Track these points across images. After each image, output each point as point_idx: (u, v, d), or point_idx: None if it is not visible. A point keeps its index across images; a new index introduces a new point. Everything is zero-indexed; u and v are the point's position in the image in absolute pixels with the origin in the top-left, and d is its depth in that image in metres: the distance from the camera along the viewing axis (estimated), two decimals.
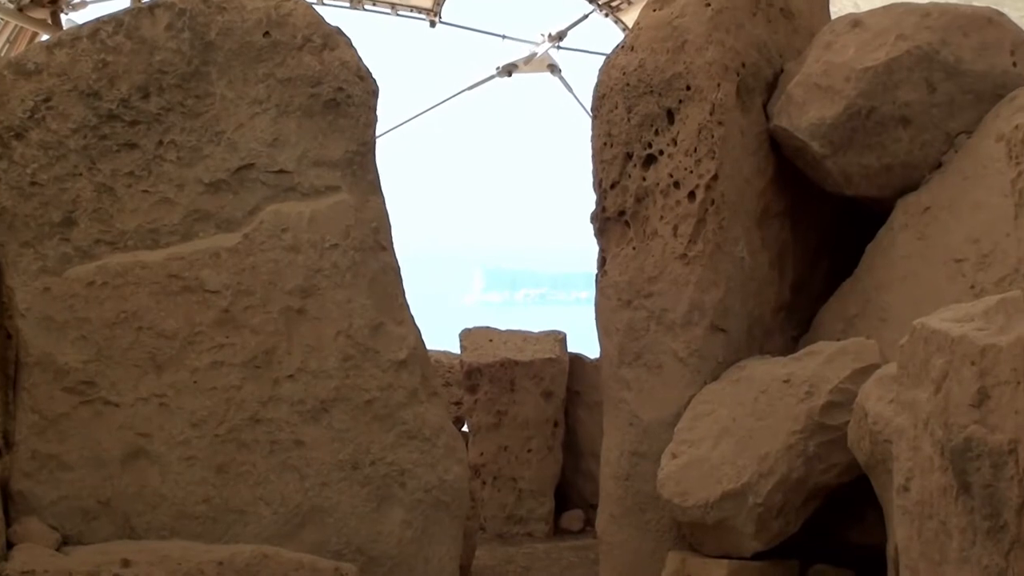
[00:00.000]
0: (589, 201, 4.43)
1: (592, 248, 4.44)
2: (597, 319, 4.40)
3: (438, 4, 9.20)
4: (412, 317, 3.77)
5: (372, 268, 3.67)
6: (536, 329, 6.45)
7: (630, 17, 8.82)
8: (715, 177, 3.96)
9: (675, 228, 4.05)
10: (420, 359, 3.71)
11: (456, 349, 6.40)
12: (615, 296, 4.25)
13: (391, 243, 3.75)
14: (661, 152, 4.11)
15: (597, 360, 5.77)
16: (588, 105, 4.44)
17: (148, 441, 3.45)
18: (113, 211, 3.52)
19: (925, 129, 3.87)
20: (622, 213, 4.26)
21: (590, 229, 4.43)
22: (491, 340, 6.22)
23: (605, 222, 4.35)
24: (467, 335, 6.27)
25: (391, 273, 3.71)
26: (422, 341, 3.78)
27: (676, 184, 4.05)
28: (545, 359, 6.03)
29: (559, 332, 6.36)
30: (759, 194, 4.16)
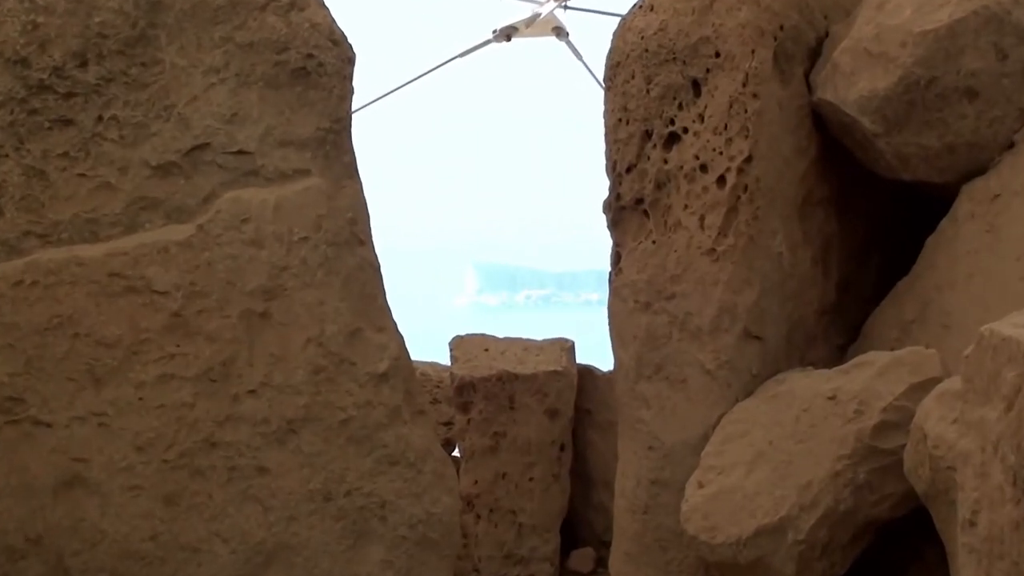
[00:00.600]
0: (601, 187, 4.43)
1: (605, 242, 4.43)
2: (611, 325, 4.41)
3: None
4: (394, 322, 3.79)
5: (348, 265, 3.68)
6: (539, 336, 6.45)
7: None
8: (749, 159, 3.97)
9: (702, 219, 4.05)
10: (403, 372, 3.72)
11: (445, 360, 6.41)
12: (632, 298, 4.25)
13: (370, 236, 3.76)
14: (685, 130, 4.12)
15: (611, 373, 5.73)
16: (600, 75, 4.45)
17: (85, 467, 3.45)
18: (45, 199, 3.51)
19: (995, 103, 3.85)
20: (640, 201, 4.26)
21: (602, 220, 4.44)
22: (486, 349, 6.23)
23: (620, 212, 4.35)
24: (458, 343, 6.28)
25: (369, 271, 3.72)
26: (406, 351, 3.79)
27: (703, 167, 4.06)
28: (550, 372, 6.03)
29: (566, 340, 6.36)
30: (800, 179, 4.17)
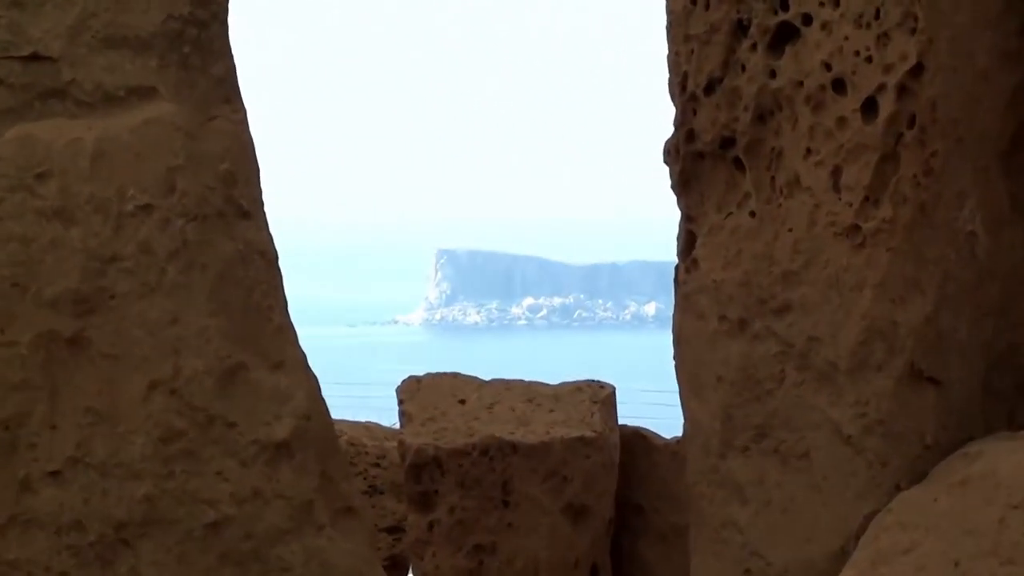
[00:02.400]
0: (663, 122, 4.45)
1: (667, 216, 4.45)
2: (678, 358, 4.42)
3: None
4: (302, 354, 3.82)
5: (222, 254, 3.71)
6: (554, 376, 6.44)
7: None
8: (917, 70, 3.96)
9: (836, 173, 4.06)
10: (317, 439, 3.75)
11: (391, 417, 6.40)
12: (715, 311, 4.26)
13: (260, 205, 3.79)
14: (807, 19, 4.12)
15: (678, 442, 5.69)
16: None
17: None
18: None
19: None
20: (729, 143, 4.27)
21: (662, 176, 4.42)
22: (461, 400, 6.23)
23: (695, 161, 4.36)
24: (413, 390, 6.28)
25: (259, 264, 3.77)
26: (322, 403, 3.82)
27: (838, 83, 4.06)
28: (572, 439, 6.03)
29: (601, 384, 6.36)
30: (1006, 106, 4.15)
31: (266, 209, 3.83)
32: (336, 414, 3.94)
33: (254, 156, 3.84)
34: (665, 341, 4.47)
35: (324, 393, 3.84)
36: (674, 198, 4.46)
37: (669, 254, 4.47)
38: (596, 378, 6.45)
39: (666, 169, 4.44)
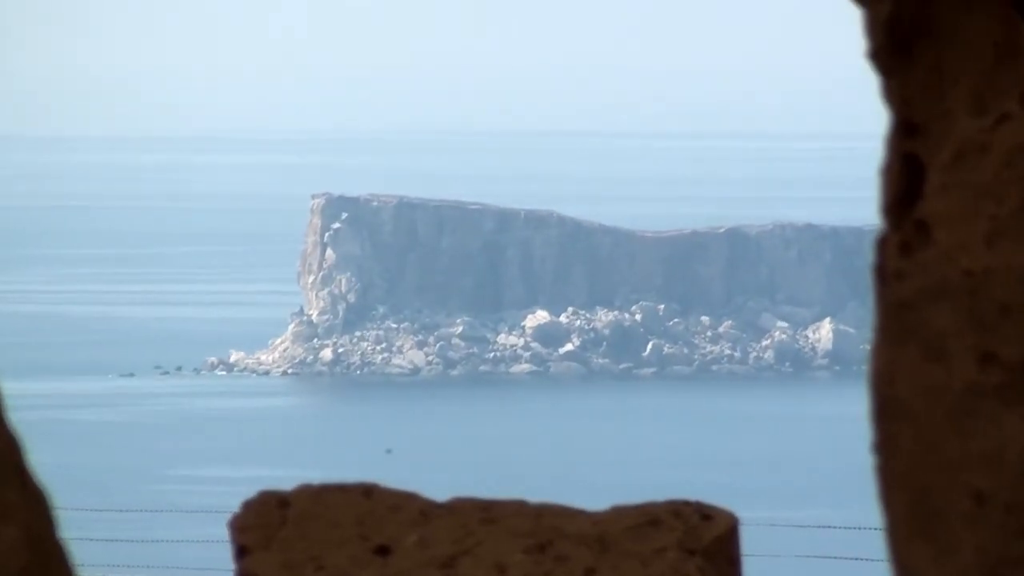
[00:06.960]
0: None
1: (856, 125, 4.36)
2: (883, 448, 4.39)
3: None
4: (17, 444, 3.76)
5: None
6: (598, 491, 6.41)
7: None
8: None
9: None
10: None
11: None
12: (970, 340, 4.22)
13: None
14: None
15: None
16: None
17: None
18: None
19: None
20: None
21: (846, 29, 4.46)
22: (382, 548, 6.27)
23: None
24: (275, 522, 6.29)
25: None
26: (61, 553, 3.74)
27: None
28: None
29: (704, 511, 6.35)
30: None
31: None
32: None
33: None
34: (853, 411, 4.40)
35: (71, 530, 3.74)
36: (873, 81, 4.40)
37: (861, 210, 4.43)
38: (693, 497, 6.41)
39: (857, 14, 4.34)
